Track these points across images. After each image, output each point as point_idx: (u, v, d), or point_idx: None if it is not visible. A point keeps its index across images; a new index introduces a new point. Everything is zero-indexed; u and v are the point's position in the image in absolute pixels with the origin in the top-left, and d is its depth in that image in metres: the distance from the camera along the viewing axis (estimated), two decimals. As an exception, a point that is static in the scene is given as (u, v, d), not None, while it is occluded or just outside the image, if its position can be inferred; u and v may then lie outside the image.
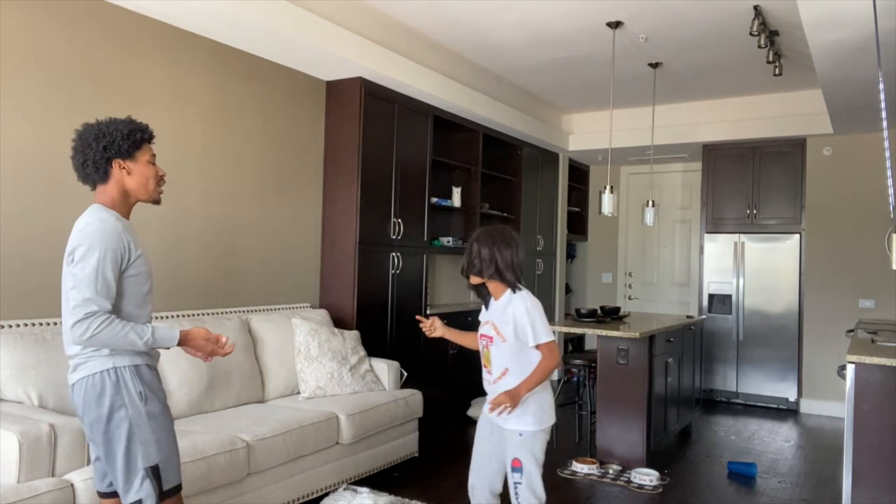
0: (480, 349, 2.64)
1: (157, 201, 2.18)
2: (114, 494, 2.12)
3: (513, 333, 2.51)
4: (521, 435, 2.52)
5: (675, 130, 6.86)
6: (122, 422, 1.99)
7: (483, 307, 2.69)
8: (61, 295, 2.06)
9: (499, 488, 2.66)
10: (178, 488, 2.10)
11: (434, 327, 2.77)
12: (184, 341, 2.12)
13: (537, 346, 2.50)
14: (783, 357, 6.53)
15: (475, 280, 2.58)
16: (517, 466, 2.52)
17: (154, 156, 2.15)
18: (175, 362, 3.41)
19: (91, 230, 1.97)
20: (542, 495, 2.54)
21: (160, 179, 2.16)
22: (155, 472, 2.00)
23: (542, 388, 2.57)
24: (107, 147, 2.03)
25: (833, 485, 4.23)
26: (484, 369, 2.63)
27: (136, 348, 2.00)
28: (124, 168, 2.06)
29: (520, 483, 2.52)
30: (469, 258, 2.54)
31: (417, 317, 2.92)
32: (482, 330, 2.63)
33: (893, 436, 2.96)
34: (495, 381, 2.57)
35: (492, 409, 2.42)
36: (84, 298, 1.91)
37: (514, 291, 2.54)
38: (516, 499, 2.54)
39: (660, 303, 8.12)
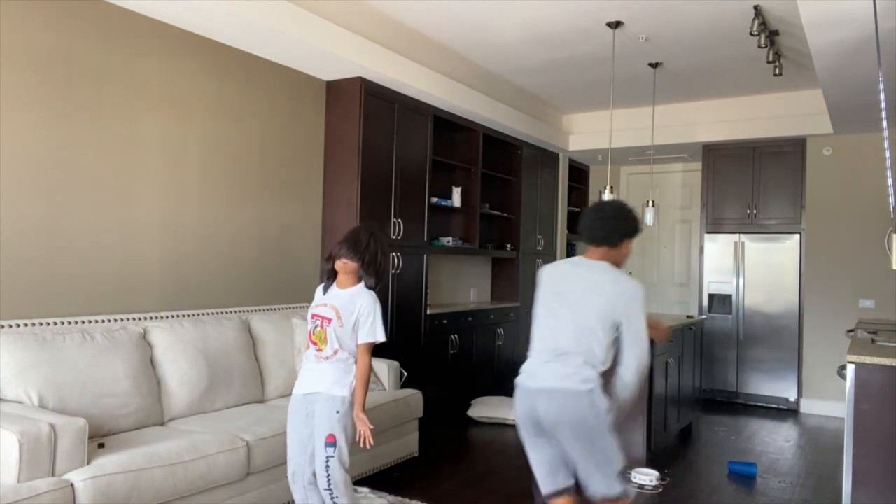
0: (312, 328, 2.77)
1: None
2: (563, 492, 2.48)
3: (352, 322, 2.74)
4: (338, 412, 2.68)
5: (675, 130, 6.85)
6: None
7: (320, 289, 2.84)
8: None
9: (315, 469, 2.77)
10: None
11: None
12: None
13: (366, 342, 2.76)
14: (783, 357, 6.53)
15: (348, 268, 2.74)
16: (331, 442, 2.66)
17: None
18: (175, 363, 3.41)
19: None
20: (348, 465, 2.71)
21: None
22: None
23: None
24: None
25: (833, 485, 4.23)
26: (313, 346, 2.77)
27: None
28: None
29: (332, 457, 2.65)
30: (358, 248, 2.71)
31: None
32: (317, 311, 2.77)
33: (893, 436, 2.96)
34: (327, 357, 2.74)
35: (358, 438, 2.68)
36: None
37: (368, 288, 2.77)
38: (326, 471, 2.64)
39: (660, 303, 8.11)
